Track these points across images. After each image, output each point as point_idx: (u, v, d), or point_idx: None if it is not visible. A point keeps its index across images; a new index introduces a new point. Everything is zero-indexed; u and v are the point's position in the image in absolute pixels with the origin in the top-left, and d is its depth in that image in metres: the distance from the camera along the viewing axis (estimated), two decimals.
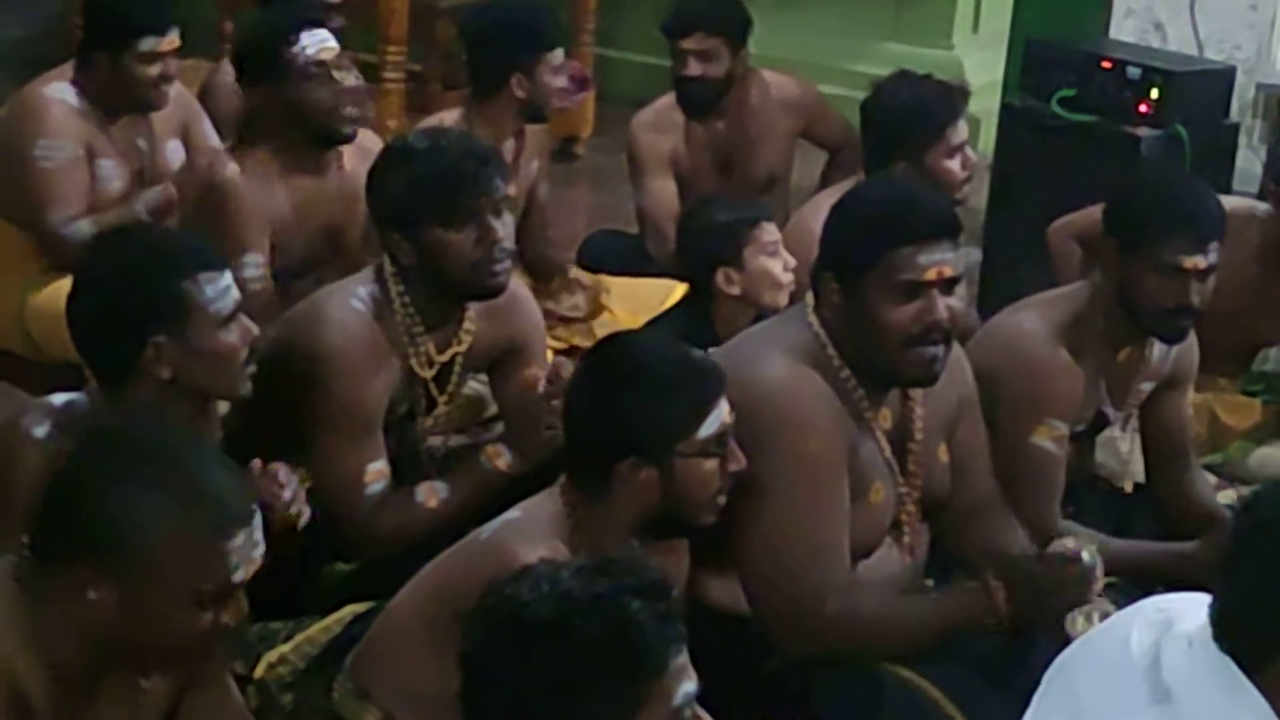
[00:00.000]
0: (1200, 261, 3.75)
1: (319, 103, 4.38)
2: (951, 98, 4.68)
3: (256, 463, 3.22)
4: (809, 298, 3.39)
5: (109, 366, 3.20)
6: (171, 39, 4.76)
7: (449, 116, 5.08)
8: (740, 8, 5.64)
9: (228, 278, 3.22)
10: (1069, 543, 3.23)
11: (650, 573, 2.26)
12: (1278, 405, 4.66)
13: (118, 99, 4.81)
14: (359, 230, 4.57)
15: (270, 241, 4.42)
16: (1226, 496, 4.29)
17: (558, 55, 5.07)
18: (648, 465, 3.02)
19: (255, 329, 3.26)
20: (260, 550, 2.44)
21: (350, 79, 4.43)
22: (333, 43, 4.44)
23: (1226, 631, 2.30)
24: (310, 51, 4.39)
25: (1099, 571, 3.20)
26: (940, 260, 3.23)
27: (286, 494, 3.25)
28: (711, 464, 3.06)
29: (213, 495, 2.40)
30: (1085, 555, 3.18)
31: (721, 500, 3.10)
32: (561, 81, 5.15)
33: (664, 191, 5.58)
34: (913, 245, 3.23)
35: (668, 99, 5.69)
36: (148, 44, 4.70)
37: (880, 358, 3.29)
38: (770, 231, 4.44)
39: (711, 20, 5.54)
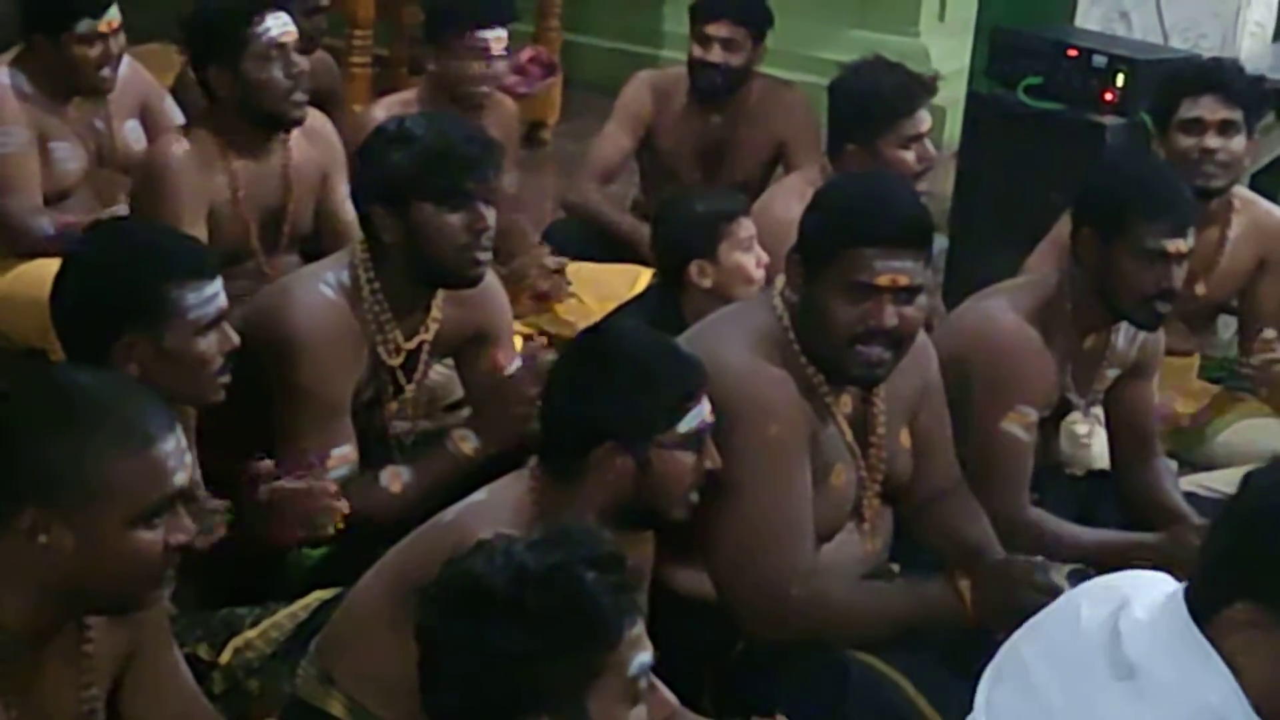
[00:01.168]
0: (1181, 245, 3.77)
1: (274, 86, 4.34)
2: (910, 88, 4.65)
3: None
4: (779, 280, 3.40)
5: (81, 355, 3.19)
6: (110, 19, 4.70)
7: (399, 100, 5.13)
8: (765, 2, 5.64)
9: (215, 285, 3.20)
10: (1051, 572, 3.25)
11: (604, 544, 2.29)
12: (1235, 391, 4.70)
13: (62, 82, 4.75)
14: (306, 213, 4.57)
15: (207, 224, 4.38)
16: (1190, 482, 4.32)
17: (476, 36, 5.09)
18: (624, 453, 3.01)
19: (235, 339, 3.25)
20: (189, 457, 2.49)
21: (304, 63, 4.41)
22: (293, 26, 4.42)
23: (1193, 587, 2.34)
24: (273, 33, 4.36)
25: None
26: (897, 269, 3.23)
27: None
28: (688, 459, 3.05)
29: (133, 410, 2.44)
30: (1057, 579, 3.20)
31: (693, 498, 3.10)
32: (480, 66, 5.14)
33: (615, 144, 5.62)
34: (873, 248, 3.23)
35: (679, 72, 5.68)
36: (84, 26, 4.64)
37: (826, 350, 3.31)
38: (747, 227, 4.41)
39: (741, 9, 5.55)
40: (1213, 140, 4.59)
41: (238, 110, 4.38)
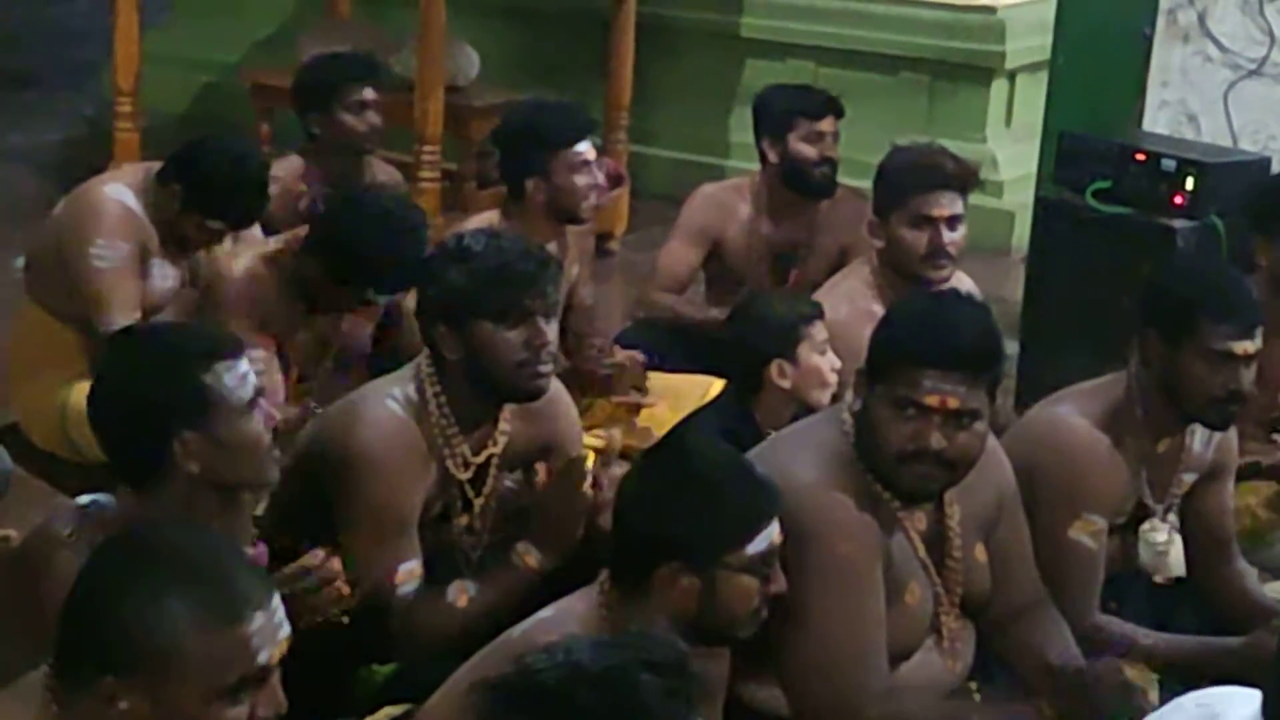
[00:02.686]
0: (1249, 346, 3.73)
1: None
2: (926, 167, 4.60)
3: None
4: (848, 395, 3.38)
5: (136, 466, 3.16)
6: None
7: (485, 218, 5.08)
8: None
9: (244, 364, 3.19)
10: (1127, 673, 3.21)
11: (667, 649, 2.23)
12: None
13: (174, 231, 4.88)
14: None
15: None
16: (1273, 589, 4.25)
17: (576, 152, 4.98)
18: (690, 573, 2.98)
19: (276, 413, 3.24)
20: (285, 631, 2.40)
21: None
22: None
23: (1268, 707, 2.29)
24: None
25: (1152, 698, 3.18)
26: (948, 391, 3.21)
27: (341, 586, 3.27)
28: (753, 582, 3.02)
29: (223, 583, 2.36)
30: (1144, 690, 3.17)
31: (760, 617, 3.06)
32: (586, 178, 5.01)
33: (682, 260, 5.61)
34: (926, 368, 3.21)
35: (740, 182, 5.72)
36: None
37: (880, 465, 3.29)
38: (822, 330, 4.43)
39: (838, 104, 5.62)
40: None
41: None
